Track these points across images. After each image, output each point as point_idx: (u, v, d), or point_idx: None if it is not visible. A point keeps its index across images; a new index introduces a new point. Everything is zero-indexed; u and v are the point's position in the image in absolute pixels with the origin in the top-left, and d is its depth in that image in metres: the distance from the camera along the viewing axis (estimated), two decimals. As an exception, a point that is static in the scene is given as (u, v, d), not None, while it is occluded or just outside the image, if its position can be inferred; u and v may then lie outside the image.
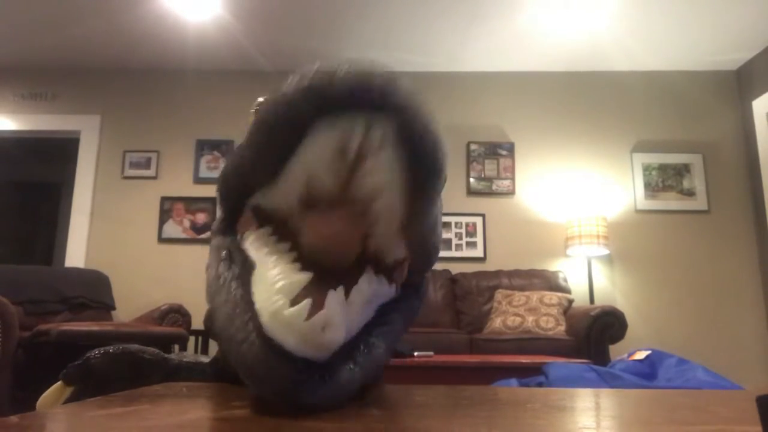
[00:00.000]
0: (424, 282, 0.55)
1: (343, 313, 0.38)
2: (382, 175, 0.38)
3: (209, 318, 0.43)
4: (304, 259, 0.43)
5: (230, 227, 0.49)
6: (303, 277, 0.39)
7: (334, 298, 0.38)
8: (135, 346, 0.60)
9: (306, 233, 0.45)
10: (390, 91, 0.36)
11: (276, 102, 0.38)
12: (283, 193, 0.43)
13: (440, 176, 0.40)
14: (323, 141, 0.38)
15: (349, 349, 0.40)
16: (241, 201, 0.47)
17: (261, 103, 0.43)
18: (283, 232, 0.46)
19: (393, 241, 0.45)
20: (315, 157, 0.39)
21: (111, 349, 0.59)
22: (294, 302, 0.37)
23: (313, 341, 0.36)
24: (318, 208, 0.44)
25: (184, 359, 0.61)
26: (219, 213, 0.52)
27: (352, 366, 0.39)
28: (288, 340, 0.36)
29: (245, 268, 0.42)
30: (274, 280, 0.39)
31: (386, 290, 0.46)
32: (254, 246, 0.44)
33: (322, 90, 0.36)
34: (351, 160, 0.38)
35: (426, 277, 0.55)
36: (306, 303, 0.36)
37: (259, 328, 0.36)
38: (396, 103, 0.37)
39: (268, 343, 0.36)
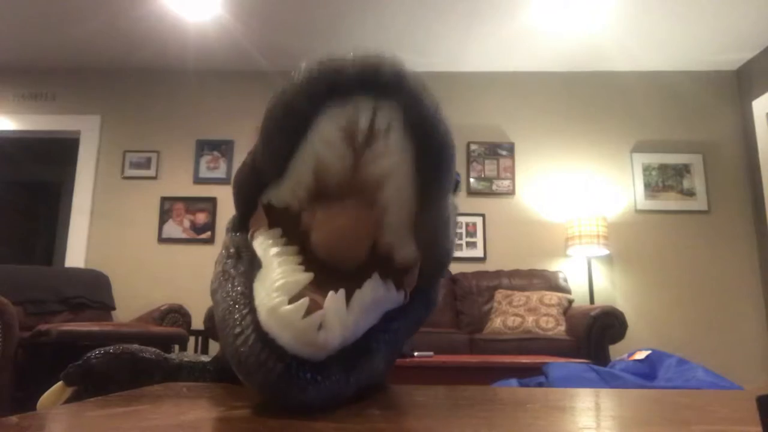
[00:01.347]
0: (435, 289, 0.54)
1: (341, 316, 0.38)
2: (391, 158, 0.38)
3: (209, 318, 0.43)
4: (310, 261, 0.43)
5: (243, 224, 0.50)
6: (304, 277, 0.40)
7: (334, 300, 0.38)
8: (135, 346, 0.60)
9: (316, 229, 0.46)
10: (398, 76, 0.37)
11: (284, 91, 0.38)
12: (292, 185, 0.43)
13: (450, 164, 0.40)
14: (330, 125, 0.38)
15: (346, 353, 0.39)
16: (253, 198, 0.48)
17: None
18: (292, 234, 0.46)
19: (403, 238, 0.44)
20: (322, 142, 0.39)
21: (111, 349, 0.59)
22: (293, 301, 0.37)
23: (308, 340, 0.36)
24: (327, 200, 0.44)
25: (185, 359, 0.61)
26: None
27: (347, 371, 0.39)
28: (282, 336, 0.36)
29: (251, 267, 0.43)
30: (275, 278, 0.39)
31: (394, 296, 0.46)
32: (263, 246, 0.44)
33: (329, 75, 0.37)
34: (358, 143, 0.38)
35: (437, 284, 0.54)
36: (304, 301, 0.37)
37: (255, 323, 0.37)
38: (404, 87, 0.37)
39: (263, 338, 0.36)
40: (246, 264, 0.43)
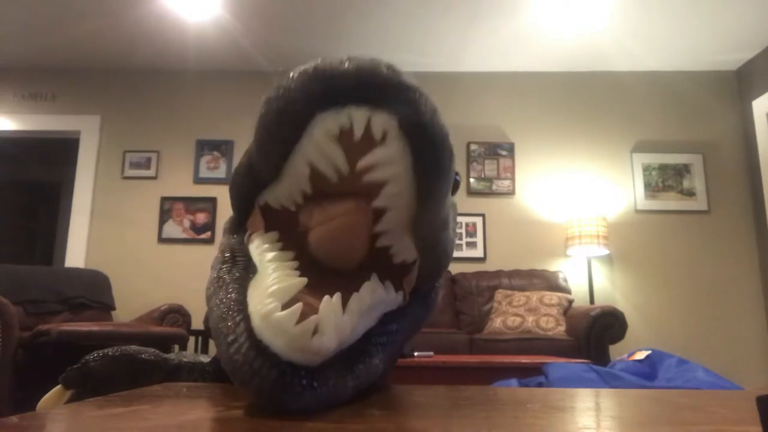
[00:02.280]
0: (435, 290, 0.53)
1: (336, 320, 0.37)
2: (387, 166, 0.38)
3: (209, 318, 0.43)
4: (307, 264, 0.42)
5: (240, 226, 0.49)
6: (298, 282, 0.39)
7: (329, 304, 0.37)
8: (134, 348, 0.60)
9: (313, 229, 0.45)
10: (392, 82, 0.36)
11: (278, 94, 0.38)
12: (288, 187, 0.43)
13: (448, 167, 0.39)
14: (324, 132, 0.37)
15: (343, 357, 0.39)
16: (250, 199, 0.47)
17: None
18: (290, 236, 0.45)
19: (402, 239, 0.44)
20: (316, 149, 0.38)
21: (110, 351, 0.59)
22: (286, 306, 0.36)
23: (302, 346, 0.35)
24: (324, 200, 0.43)
25: (184, 359, 0.61)
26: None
27: (344, 374, 0.38)
28: (276, 342, 0.35)
29: (246, 272, 0.42)
30: (269, 284, 0.39)
31: (392, 298, 0.45)
32: (259, 250, 0.44)
33: (323, 82, 0.36)
34: (353, 150, 0.38)
35: (436, 285, 0.53)
36: (297, 307, 0.36)
37: (249, 330, 0.36)
38: (399, 94, 0.36)
39: (256, 345, 0.35)
40: (241, 269, 0.43)
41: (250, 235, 0.47)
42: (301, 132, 0.38)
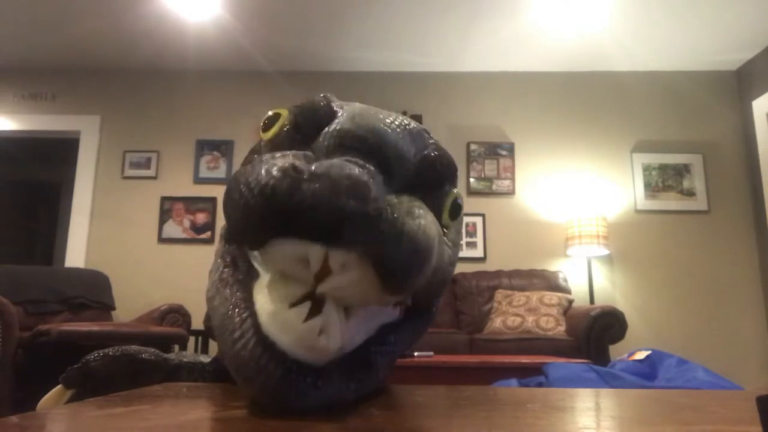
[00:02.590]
0: (434, 306, 0.53)
1: (340, 322, 0.38)
2: (348, 289, 0.37)
3: (209, 318, 0.43)
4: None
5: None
6: (303, 286, 0.39)
7: (332, 307, 0.37)
8: (134, 348, 0.60)
9: None
10: (353, 218, 0.34)
11: (241, 206, 0.37)
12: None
13: (420, 270, 0.38)
14: (281, 255, 0.37)
15: (345, 362, 0.39)
16: None
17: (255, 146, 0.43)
18: None
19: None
20: (281, 261, 0.38)
21: (110, 351, 0.59)
22: (293, 306, 0.37)
23: (309, 344, 0.36)
24: None
25: (184, 359, 0.61)
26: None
27: (347, 379, 0.39)
28: (283, 339, 0.35)
29: (248, 276, 0.42)
30: (275, 286, 0.39)
31: (389, 311, 0.45)
32: (258, 259, 0.44)
33: (280, 211, 0.35)
34: (314, 274, 0.37)
35: (436, 302, 0.53)
36: (305, 306, 0.36)
37: (256, 326, 0.36)
38: (359, 229, 0.34)
39: (263, 342, 0.36)
40: (243, 272, 0.43)
41: None
42: (265, 241, 0.37)
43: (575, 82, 4.26)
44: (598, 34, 3.77)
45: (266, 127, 0.47)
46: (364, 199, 0.34)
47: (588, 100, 4.23)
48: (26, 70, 4.33)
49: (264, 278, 0.41)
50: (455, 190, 0.49)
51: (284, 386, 0.35)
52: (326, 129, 0.42)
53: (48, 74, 4.33)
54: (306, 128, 0.44)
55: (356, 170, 0.36)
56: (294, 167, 0.35)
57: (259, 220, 0.36)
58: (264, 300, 0.38)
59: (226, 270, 0.44)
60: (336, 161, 0.36)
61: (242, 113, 4.26)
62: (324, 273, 0.36)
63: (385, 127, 0.41)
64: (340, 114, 0.43)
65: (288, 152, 0.40)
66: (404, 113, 4.21)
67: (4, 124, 4.25)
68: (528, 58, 4.10)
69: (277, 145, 0.45)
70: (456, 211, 0.49)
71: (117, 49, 4.08)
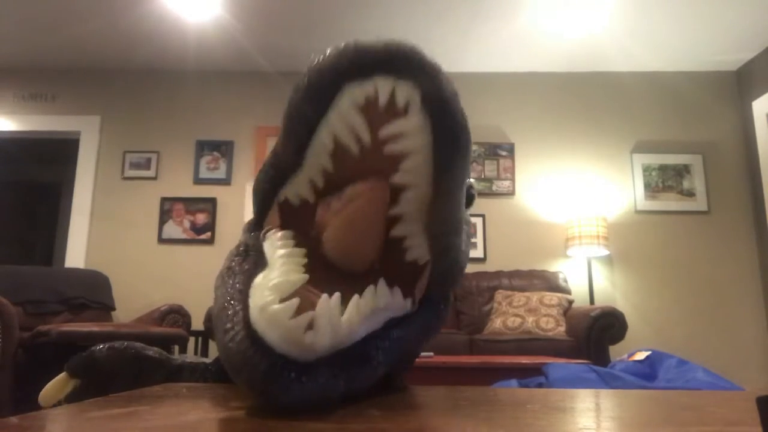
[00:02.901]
0: (446, 301, 0.53)
1: (332, 319, 0.38)
2: (408, 137, 0.39)
3: (209, 318, 0.43)
4: (315, 266, 0.43)
5: (258, 224, 0.50)
6: (299, 278, 0.40)
7: (326, 303, 0.38)
8: (139, 344, 0.61)
9: (329, 221, 0.46)
10: (417, 58, 0.38)
11: (308, 71, 0.40)
12: (310, 173, 0.44)
13: (465, 149, 0.41)
14: (349, 102, 0.39)
15: (339, 357, 0.39)
16: (270, 196, 0.48)
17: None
18: (303, 237, 0.46)
19: (416, 231, 0.45)
20: (340, 119, 0.40)
21: (116, 344, 0.59)
22: (285, 300, 0.37)
23: (295, 340, 0.36)
24: (342, 189, 0.45)
25: (187, 359, 0.62)
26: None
27: (337, 374, 0.38)
28: (270, 334, 0.36)
29: (255, 266, 0.43)
30: (272, 278, 0.39)
31: (399, 304, 0.45)
32: (272, 247, 0.44)
33: (352, 53, 0.38)
34: (376, 120, 0.39)
35: (448, 296, 0.53)
36: (294, 301, 0.36)
37: (246, 320, 0.37)
38: (423, 69, 0.38)
39: (251, 336, 0.36)
40: (251, 263, 0.43)
41: (266, 232, 0.47)
42: (326, 107, 0.40)
43: (575, 82, 4.26)
44: (598, 34, 3.77)
45: None
46: (422, 50, 0.39)
47: (588, 101, 4.24)
48: (26, 70, 4.33)
49: (269, 268, 0.41)
50: (470, 180, 0.50)
51: (268, 380, 0.35)
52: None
53: (48, 74, 4.33)
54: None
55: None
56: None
57: (330, 69, 0.38)
58: (258, 293, 0.38)
59: (236, 259, 0.45)
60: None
61: (242, 113, 4.26)
62: (387, 119, 0.39)
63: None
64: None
65: None
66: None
67: (4, 125, 4.25)
68: (528, 58, 4.11)
69: None
70: (470, 200, 0.51)
71: (117, 49, 4.08)
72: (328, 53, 0.39)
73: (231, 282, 0.42)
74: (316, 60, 0.39)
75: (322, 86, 0.39)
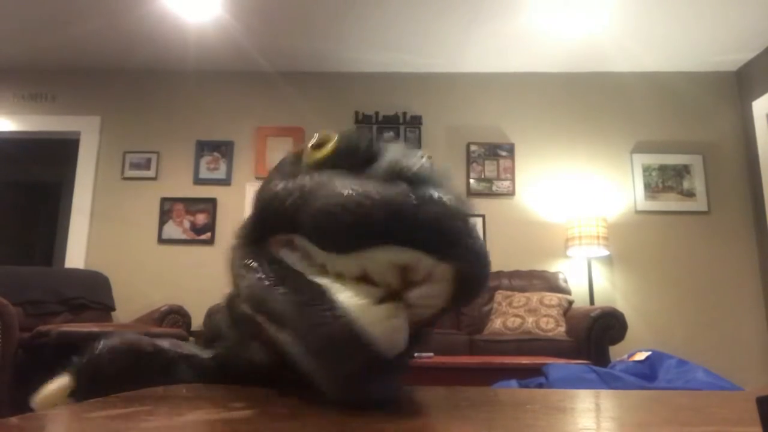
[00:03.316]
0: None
1: (405, 323, 0.41)
2: (431, 299, 0.41)
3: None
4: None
5: (261, 239, 0.48)
6: (377, 289, 0.41)
7: (400, 311, 0.40)
8: (135, 337, 0.60)
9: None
10: (463, 238, 0.40)
11: (352, 207, 0.38)
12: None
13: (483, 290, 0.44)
14: (387, 258, 0.39)
15: (396, 360, 0.41)
16: (281, 224, 0.46)
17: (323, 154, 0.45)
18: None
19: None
20: (374, 265, 0.40)
21: (113, 342, 0.59)
22: (378, 303, 0.40)
23: (395, 339, 0.39)
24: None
25: (180, 350, 0.60)
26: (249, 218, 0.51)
27: (395, 376, 0.42)
28: (371, 331, 0.38)
29: (298, 275, 0.43)
30: (358, 284, 0.41)
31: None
32: (297, 266, 0.44)
33: (401, 220, 0.38)
34: (407, 281, 0.40)
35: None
36: (391, 305, 0.39)
37: (343, 315, 0.38)
38: (466, 250, 0.40)
39: (350, 329, 0.38)
40: (291, 270, 0.43)
41: (277, 248, 0.46)
42: (357, 248, 0.39)
43: (575, 82, 4.26)
44: (598, 34, 3.77)
45: (317, 146, 0.47)
46: (467, 222, 0.41)
47: (588, 101, 4.24)
48: (26, 70, 4.33)
49: (323, 278, 0.42)
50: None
51: (364, 376, 0.38)
52: (379, 161, 0.43)
53: (48, 74, 4.33)
54: (347, 156, 0.45)
55: (452, 198, 0.41)
56: (406, 193, 0.39)
57: (373, 229, 0.38)
58: (348, 295, 0.40)
59: (274, 266, 0.44)
60: (430, 191, 0.40)
61: (242, 113, 4.26)
62: (410, 283, 0.40)
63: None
64: (383, 150, 0.45)
65: (366, 176, 0.42)
66: (404, 114, 4.23)
67: (4, 125, 4.25)
68: (528, 58, 4.11)
69: (320, 165, 0.45)
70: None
71: (117, 49, 4.08)
72: (377, 202, 0.38)
73: (295, 284, 0.42)
74: (361, 198, 0.38)
75: (361, 233, 0.38)
